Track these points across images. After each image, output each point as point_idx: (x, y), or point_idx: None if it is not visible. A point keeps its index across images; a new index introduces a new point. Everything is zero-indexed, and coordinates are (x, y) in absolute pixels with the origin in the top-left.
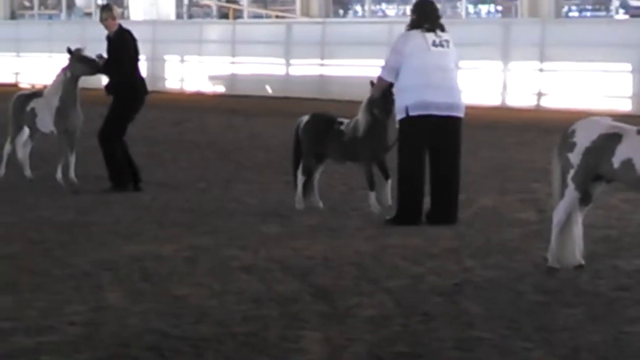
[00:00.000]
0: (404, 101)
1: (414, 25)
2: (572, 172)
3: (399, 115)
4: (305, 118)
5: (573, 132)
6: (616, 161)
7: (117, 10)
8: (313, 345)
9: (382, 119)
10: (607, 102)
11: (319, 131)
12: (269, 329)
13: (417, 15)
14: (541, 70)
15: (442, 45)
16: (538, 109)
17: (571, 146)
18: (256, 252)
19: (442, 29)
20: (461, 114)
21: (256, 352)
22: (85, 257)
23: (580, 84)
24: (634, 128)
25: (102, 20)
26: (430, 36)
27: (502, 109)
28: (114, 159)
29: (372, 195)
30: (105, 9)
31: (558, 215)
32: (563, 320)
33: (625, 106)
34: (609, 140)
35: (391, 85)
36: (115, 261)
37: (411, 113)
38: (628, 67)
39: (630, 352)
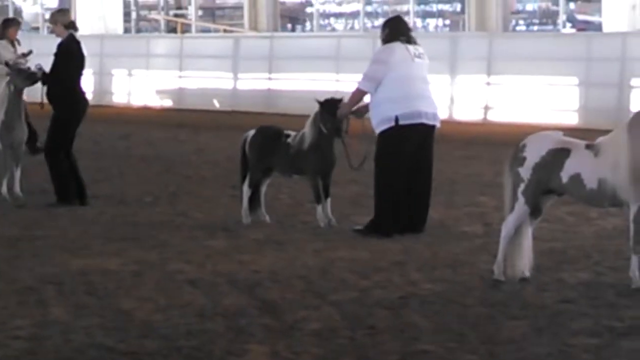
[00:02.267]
0: (393, 111)
1: (390, 39)
2: (522, 186)
3: (385, 124)
4: (252, 132)
5: (523, 146)
6: (565, 176)
7: (63, 18)
8: (259, 358)
9: (327, 135)
10: (554, 116)
11: (265, 144)
12: (215, 343)
13: (389, 30)
14: (488, 84)
15: (420, 57)
16: (485, 123)
17: (521, 161)
18: (202, 266)
19: (416, 42)
20: (439, 124)
21: None
22: (30, 272)
23: (527, 97)
24: (583, 143)
25: (51, 22)
26: (411, 48)
27: (449, 123)
28: (59, 173)
29: (319, 209)
30: (58, 12)
31: (507, 228)
32: (508, 333)
33: (572, 119)
34: (558, 155)
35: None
36: (61, 275)
37: (402, 122)
38: (575, 80)
39: None
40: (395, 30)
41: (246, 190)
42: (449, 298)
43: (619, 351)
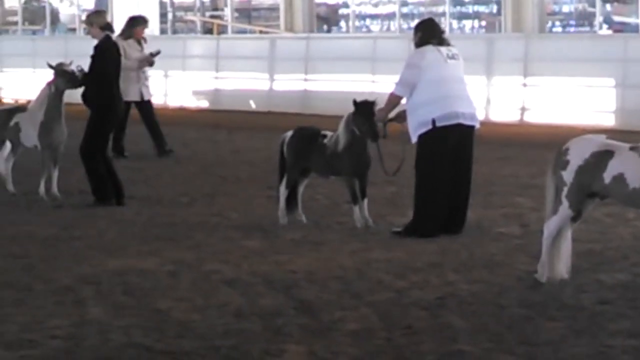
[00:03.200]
0: (429, 113)
1: (422, 42)
2: (565, 190)
3: (422, 128)
4: (290, 133)
5: (566, 150)
6: (608, 177)
7: (99, 20)
8: (296, 359)
9: (361, 136)
10: (590, 117)
11: (303, 145)
12: (252, 343)
13: (422, 33)
14: (525, 85)
15: (454, 58)
16: (521, 124)
17: (564, 164)
18: (239, 266)
19: (449, 43)
20: (478, 124)
21: None
22: (68, 272)
23: (563, 98)
24: (627, 145)
25: (87, 24)
26: (443, 49)
27: (486, 124)
28: (96, 174)
29: (356, 210)
30: (94, 13)
31: (549, 229)
32: (546, 334)
33: (609, 121)
34: (601, 157)
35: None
36: (98, 276)
37: (439, 124)
38: (611, 82)
39: None
40: (427, 33)
41: (283, 191)
42: (486, 299)
43: None
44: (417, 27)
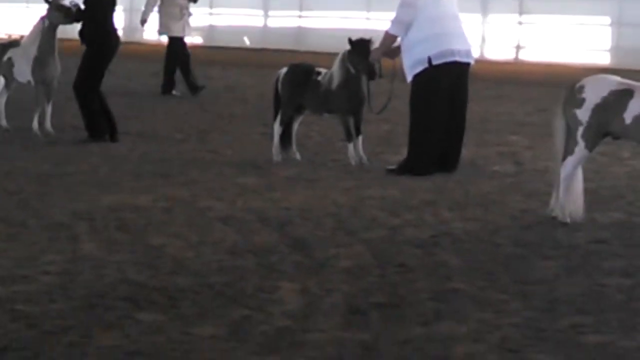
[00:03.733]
0: (425, 52)
1: None
2: (581, 129)
3: (418, 66)
4: (284, 69)
5: (581, 88)
6: (628, 117)
7: None
8: (290, 296)
9: (356, 74)
10: (585, 56)
11: (297, 82)
12: (246, 280)
13: None
14: (520, 23)
15: None
16: (516, 62)
17: (580, 102)
18: (233, 204)
19: None
20: (473, 61)
21: (232, 303)
22: (61, 208)
23: (559, 37)
24: None
25: None
26: None
27: (481, 62)
28: (90, 109)
29: (350, 147)
30: None
31: (566, 170)
32: (540, 273)
33: (604, 59)
34: (621, 97)
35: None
36: (92, 212)
37: (435, 62)
38: (607, 20)
39: (607, 304)
40: None
41: (277, 128)
42: (480, 237)
43: None
44: None
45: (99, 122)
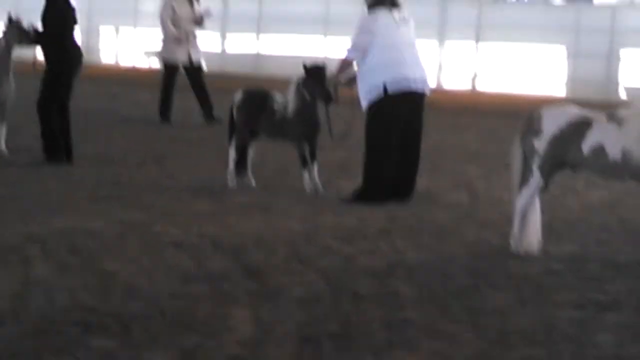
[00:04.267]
0: (380, 78)
1: (374, 3)
2: (537, 159)
3: (373, 93)
4: (240, 94)
5: (539, 117)
6: (586, 147)
7: None
8: (242, 323)
9: (311, 101)
10: (541, 86)
11: (252, 107)
12: (198, 306)
13: None
14: (477, 52)
15: (406, 22)
16: (473, 92)
17: (537, 133)
18: (187, 229)
19: (400, 5)
20: (429, 90)
21: (185, 330)
22: (14, 230)
23: (515, 66)
24: (604, 115)
25: None
26: (396, 13)
27: (438, 91)
28: (49, 130)
29: (306, 174)
30: None
31: (521, 202)
32: (493, 304)
33: (560, 90)
34: (579, 127)
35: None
36: (44, 235)
37: (390, 89)
38: (564, 51)
39: (558, 336)
40: None
41: (232, 154)
42: (434, 267)
43: (603, 324)
44: None
45: (58, 145)
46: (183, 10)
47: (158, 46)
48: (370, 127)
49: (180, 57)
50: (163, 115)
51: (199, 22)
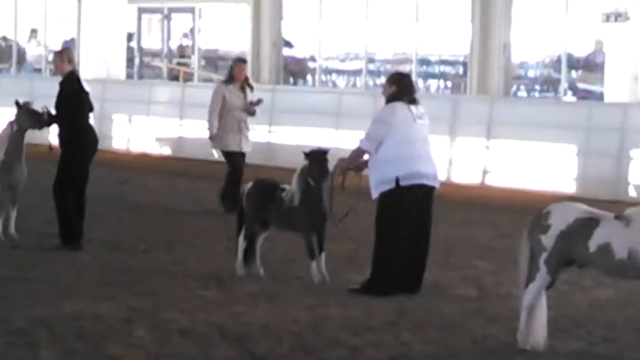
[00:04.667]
0: (394, 171)
1: (394, 97)
2: (544, 255)
3: (385, 185)
4: (249, 185)
5: (547, 214)
6: (593, 245)
7: (68, 54)
8: None
9: (316, 187)
10: (552, 183)
11: (261, 198)
12: None
13: (397, 87)
14: (487, 147)
15: (422, 118)
16: (483, 187)
17: (545, 228)
18: (194, 316)
19: (418, 102)
20: (438, 185)
21: None
22: (22, 313)
23: (525, 163)
24: (611, 214)
25: (53, 63)
26: (413, 109)
27: (448, 185)
28: (65, 214)
29: (313, 265)
30: (57, 53)
31: (528, 298)
32: None
33: (570, 188)
34: (586, 224)
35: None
36: (52, 319)
37: (402, 183)
38: (574, 149)
39: None
40: (401, 89)
41: (242, 243)
42: None
43: None
44: (391, 81)
45: (74, 229)
46: (234, 99)
47: (214, 137)
48: (381, 219)
49: (233, 145)
50: (225, 202)
51: (251, 111)
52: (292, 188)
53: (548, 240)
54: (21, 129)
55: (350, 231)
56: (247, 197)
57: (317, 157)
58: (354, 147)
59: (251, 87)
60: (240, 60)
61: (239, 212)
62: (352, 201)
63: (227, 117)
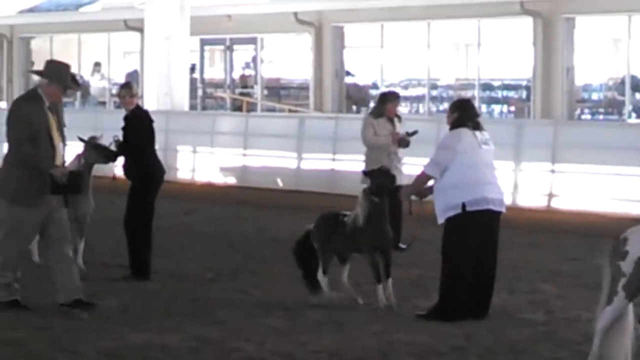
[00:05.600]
0: (460, 197)
1: (458, 123)
2: (623, 280)
3: (451, 211)
4: (312, 226)
5: (625, 240)
6: None
7: (135, 89)
8: None
9: (380, 208)
10: (618, 205)
11: (326, 230)
12: None
13: (459, 113)
14: (553, 171)
15: (487, 144)
16: (549, 210)
17: (623, 255)
18: (261, 345)
19: (482, 128)
20: (505, 210)
21: None
22: (90, 345)
23: (591, 186)
24: None
25: (120, 97)
26: (478, 134)
27: (513, 209)
28: (137, 246)
29: (380, 289)
30: (124, 86)
31: (603, 321)
32: None
33: (637, 210)
34: None
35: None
36: (119, 350)
37: (469, 209)
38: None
39: None
40: (464, 115)
41: (322, 278)
42: None
43: None
44: (454, 107)
45: (145, 262)
46: (383, 131)
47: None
48: (448, 244)
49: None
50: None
51: (405, 141)
52: (355, 210)
53: (627, 266)
54: (88, 162)
55: (416, 257)
56: (314, 236)
57: (377, 174)
58: (418, 173)
59: (399, 118)
60: (395, 97)
61: (299, 249)
62: (417, 227)
63: (376, 150)
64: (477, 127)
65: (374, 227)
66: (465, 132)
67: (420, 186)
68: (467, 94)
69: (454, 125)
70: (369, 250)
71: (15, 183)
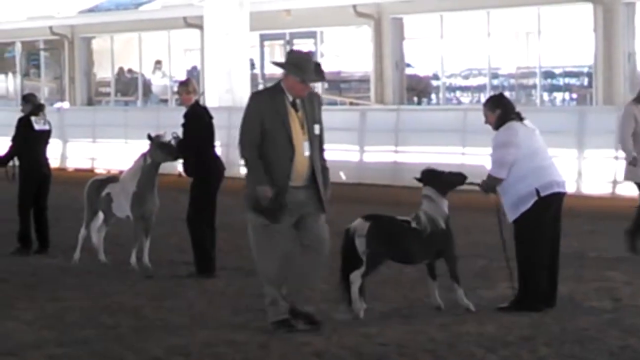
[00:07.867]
0: (532, 184)
1: (504, 118)
2: None
3: (526, 202)
4: (359, 223)
5: None
6: None
7: (193, 85)
8: None
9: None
10: None
11: (386, 234)
12: None
13: (502, 109)
14: (616, 158)
15: (535, 130)
16: (613, 197)
17: None
18: (328, 338)
19: (524, 117)
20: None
21: None
22: (158, 343)
23: None
24: None
25: (178, 94)
26: (526, 122)
27: (577, 197)
28: (200, 244)
29: (460, 292)
30: (181, 84)
31: None
32: None
33: None
34: None
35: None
36: (187, 347)
37: (543, 194)
38: None
39: None
40: (507, 109)
41: (357, 280)
42: None
43: None
44: (494, 105)
45: (209, 258)
46: None
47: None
48: (524, 232)
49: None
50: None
51: None
52: (428, 213)
53: None
54: (154, 161)
55: (480, 248)
56: (370, 237)
57: (430, 172)
58: (485, 178)
59: None
60: None
61: (346, 250)
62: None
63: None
64: (519, 117)
65: (433, 226)
66: (516, 124)
67: (492, 191)
68: (528, 82)
69: (501, 121)
70: (452, 251)
71: None
